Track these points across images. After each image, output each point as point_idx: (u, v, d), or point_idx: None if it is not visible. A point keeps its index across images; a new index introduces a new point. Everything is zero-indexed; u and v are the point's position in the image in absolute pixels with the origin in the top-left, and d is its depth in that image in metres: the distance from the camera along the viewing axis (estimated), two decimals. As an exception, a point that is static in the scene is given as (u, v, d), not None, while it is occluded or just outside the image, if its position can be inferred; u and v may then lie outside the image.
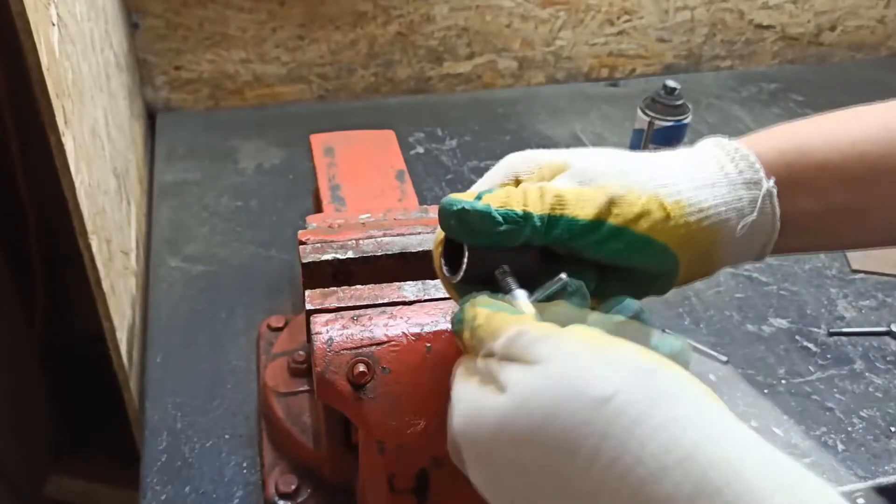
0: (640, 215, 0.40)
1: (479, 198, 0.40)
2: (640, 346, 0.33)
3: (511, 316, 0.36)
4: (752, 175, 0.43)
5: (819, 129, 0.45)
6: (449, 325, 0.48)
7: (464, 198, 0.40)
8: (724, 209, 0.42)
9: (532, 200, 0.40)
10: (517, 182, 0.43)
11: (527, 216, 0.40)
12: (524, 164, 0.44)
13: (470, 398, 0.36)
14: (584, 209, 0.40)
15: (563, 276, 0.39)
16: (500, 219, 0.39)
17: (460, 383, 0.37)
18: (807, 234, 0.45)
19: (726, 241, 0.42)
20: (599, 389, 0.30)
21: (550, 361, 0.32)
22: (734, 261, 0.45)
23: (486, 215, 0.39)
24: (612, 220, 0.40)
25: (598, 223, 0.40)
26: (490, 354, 0.36)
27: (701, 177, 0.42)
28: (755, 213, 0.42)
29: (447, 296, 0.50)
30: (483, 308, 0.38)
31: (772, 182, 0.42)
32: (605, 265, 0.42)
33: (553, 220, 0.40)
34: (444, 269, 0.43)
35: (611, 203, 0.40)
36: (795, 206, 0.43)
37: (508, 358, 0.34)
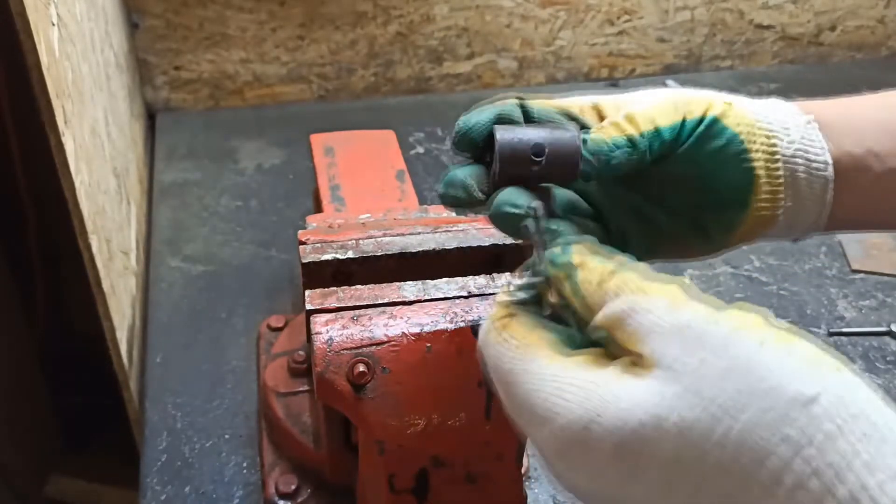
0: (710, 106, 0.43)
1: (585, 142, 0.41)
2: (815, 341, 0.28)
3: (654, 283, 0.32)
4: (790, 109, 0.44)
5: (844, 99, 0.47)
6: (448, 325, 0.48)
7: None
8: (772, 122, 0.43)
9: (626, 127, 0.42)
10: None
11: (631, 139, 0.41)
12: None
13: (589, 382, 0.29)
14: (667, 117, 0.42)
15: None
16: (614, 147, 0.41)
17: (559, 365, 0.31)
18: (860, 191, 0.44)
19: (784, 162, 0.43)
20: (801, 387, 0.26)
21: (727, 347, 0.27)
22: (798, 210, 0.44)
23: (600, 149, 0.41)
24: (689, 117, 0.42)
25: (681, 122, 0.42)
26: (613, 324, 0.30)
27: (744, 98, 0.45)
28: (802, 138, 0.43)
29: (447, 296, 0.50)
30: (602, 262, 0.33)
31: (811, 116, 0.44)
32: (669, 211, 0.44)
33: (654, 135, 0.41)
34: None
35: (685, 105, 0.43)
36: (839, 146, 0.44)
37: (653, 333, 0.29)
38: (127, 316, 0.81)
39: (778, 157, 0.43)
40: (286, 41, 1.19)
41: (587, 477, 0.29)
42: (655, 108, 0.42)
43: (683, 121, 0.42)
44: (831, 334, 0.84)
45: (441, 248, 0.54)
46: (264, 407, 0.70)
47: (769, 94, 1.41)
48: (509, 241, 0.55)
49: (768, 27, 1.40)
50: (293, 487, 0.64)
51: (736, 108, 0.43)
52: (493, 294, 0.51)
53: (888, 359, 0.82)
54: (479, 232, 0.56)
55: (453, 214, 0.63)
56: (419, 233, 0.56)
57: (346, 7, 1.18)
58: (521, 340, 0.33)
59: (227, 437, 0.71)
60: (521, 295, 0.35)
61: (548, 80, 1.35)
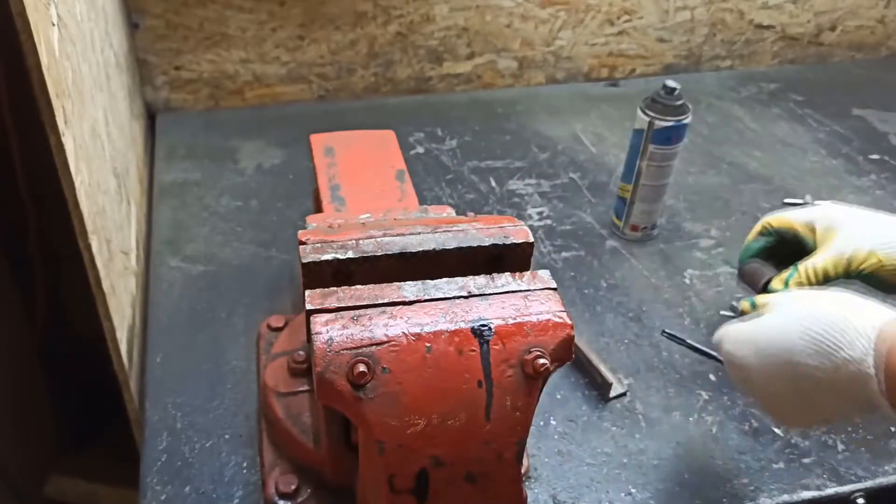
0: (864, 261, 0.68)
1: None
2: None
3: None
4: None
5: None
6: (448, 326, 0.49)
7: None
8: None
9: (802, 280, 0.69)
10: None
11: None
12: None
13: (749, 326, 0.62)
14: (836, 269, 0.69)
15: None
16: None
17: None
18: None
19: None
20: (871, 318, 0.56)
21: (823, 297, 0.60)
22: None
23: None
24: (854, 268, 0.68)
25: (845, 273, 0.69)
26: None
27: None
28: None
29: (447, 296, 0.50)
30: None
31: None
32: None
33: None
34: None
35: (849, 263, 0.68)
36: None
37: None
38: (127, 316, 0.81)
39: None
40: (286, 41, 1.19)
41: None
42: (835, 263, 0.68)
43: (847, 271, 0.69)
44: (831, 334, 0.85)
45: (441, 248, 0.54)
46: (264, 407, 0.70)
47: (769, 93, 1.42)
48: (509, 241, 0.55)
49: (768, 27, 1.40)
50: (293, 487, 0.64)
51: (886, 262, 0.67)
52: (492, 294, 0.51)
53: None
54: (478, 232, 0.56)
55: (453, 214, 0.64)
56: (419, 233, 0.56)
57: (346, 7, 1.18)
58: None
59: (227, 437, 0.71)
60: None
61: (548, 80, 1.35)
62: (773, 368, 0.59)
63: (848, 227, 0.69)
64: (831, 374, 0.55)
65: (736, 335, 0.62)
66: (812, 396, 0.58)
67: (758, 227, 0.77)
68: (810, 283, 0.68)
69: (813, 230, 0.72)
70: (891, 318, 0.56)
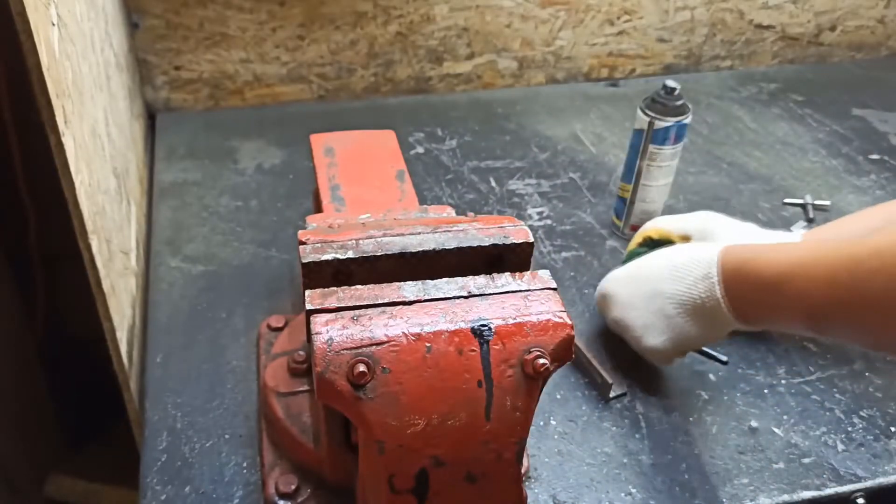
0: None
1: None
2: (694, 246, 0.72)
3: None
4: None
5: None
6: (448, 326, 0.49)
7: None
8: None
9: None
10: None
11: None
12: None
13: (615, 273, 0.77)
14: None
15: None
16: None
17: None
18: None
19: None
20: (716, 246, 0.67)
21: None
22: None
23: None
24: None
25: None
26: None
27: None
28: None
29: (447, 296, 0.50)
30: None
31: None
32: None
33: None
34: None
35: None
36: None
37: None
38: (127, 316, 0.81)
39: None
40: (286, 41, 1.19)
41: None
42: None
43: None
44: (831, 334, 0.85)
45: (441, 248, 0.54)
46: (264, 407, 0.70)
47: (769, 93, 1.42)
48: (509, 241, 0.55)
49: (768, 27, 1.40)
50: (293, 487, 0.64)
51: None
52: (492, 294, 0.51)
53: (888, 358, 0.82)
54: (479, 232, 0.56)
55: (453, 214, 0.64)
56: (419, 233, 0.56)
57: (346, 7, 1.18)
58: None
59: (227, 437, 0.71)
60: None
61: (548, 80, 1.35)
62: (642, 299, 0.71)
63: (724, 241, 0.74)
64: (687, 293, 0.67)
65: (614, 278, 0.75)
66: (675, 319, 0.69)
67: (638, 238, 0.85)
68: None
69: (689, 240, 0.79)
70: (732, 244, 0.67)
